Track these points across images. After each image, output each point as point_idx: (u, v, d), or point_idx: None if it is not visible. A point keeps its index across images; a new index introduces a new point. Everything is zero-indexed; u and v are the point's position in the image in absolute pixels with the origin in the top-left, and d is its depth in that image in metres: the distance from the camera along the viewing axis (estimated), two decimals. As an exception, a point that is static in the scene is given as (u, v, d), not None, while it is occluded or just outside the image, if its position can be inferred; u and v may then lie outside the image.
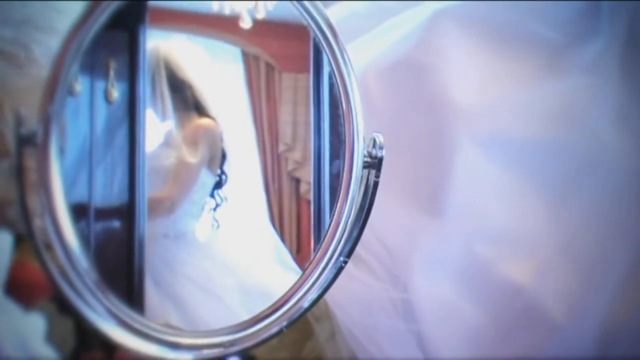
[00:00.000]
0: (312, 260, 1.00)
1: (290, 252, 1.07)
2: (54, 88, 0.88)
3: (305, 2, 0.98)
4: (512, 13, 1.47)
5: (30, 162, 0.90)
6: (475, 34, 1.44)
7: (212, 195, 1.09)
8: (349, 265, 1.23)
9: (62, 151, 0.90)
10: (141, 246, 1.00)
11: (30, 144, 0.88)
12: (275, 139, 1.10)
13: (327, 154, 1.06)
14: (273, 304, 0.99)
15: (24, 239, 1.02)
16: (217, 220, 1.09)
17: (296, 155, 1.10)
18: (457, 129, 1.37)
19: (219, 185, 1.09)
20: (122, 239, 0.99)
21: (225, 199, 1.09)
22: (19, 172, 0.89)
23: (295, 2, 0.99)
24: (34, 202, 0.90)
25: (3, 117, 1.19)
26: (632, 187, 1.31)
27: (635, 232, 1.28)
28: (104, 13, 0.90)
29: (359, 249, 1.24)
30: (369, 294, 1.31)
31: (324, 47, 1.00)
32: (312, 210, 1.06)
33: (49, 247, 0.90)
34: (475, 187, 1.35)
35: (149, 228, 1.01)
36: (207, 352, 0.96)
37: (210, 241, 1.09)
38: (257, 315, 0.98)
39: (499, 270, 1.31)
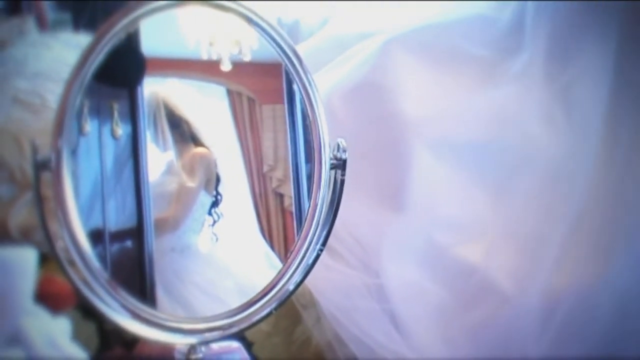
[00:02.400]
0: (293, 249, 1.00)
1: (279, 257, 1.07)
2: (62, 118, 0.89)
3: (279, 40, 0.99)
4: (449, 36, 1.48)
5: (48, 190, 0.90)
6: (420, 57, 1.44)
7: (210, 213, 1.09)
8: (328, 258, 1.26)
9: (74, 175, 0.90)
10: (151, 260, 1.00)
11: (45, 168, 0.88)
12: (260, 161, 1.11)
13: (303, 169, 1.06)
14: (262, 289, 0.99)
15: (49, 258, 0.99)
16: (215, 234, 1.09)
17: (278, 173, 1.10)
18: (410, 137, 1.37)
19: (215, 204, 1.09)
20: (135, 255, 0.99)
21: (222, 215, 1.09)
22: (38, 194, 0.89)
23: (271, 42, 0.99)
24: (55, 226, 0.90)
25: (24, 156, 1.19)
26: (560, 176, 1.31)
27: (565, 214, 1.28)
28: (98, 57, 0.90)
29: (335, 243, 1.28)
30: (346, 281, 1.30)
31: (292, 74, 1.01)
32: (294, 213, 1.06)
33: (72, 263, 0.90)
34: (430, 185, 1.35)
35: (157, 244, 1.01)
36: (208, 335, 0.96)
37: (211, 252, 1.09)
38: (249, 300, 0.98)
39: (455, 253, 1.31)
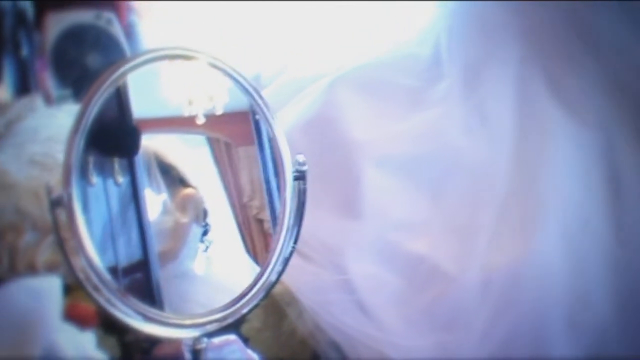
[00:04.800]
0: (272, 247, 1.00)
1: None
2: (69, 167, 0.89)
3: (246, 85, 1.00)
4: (383, 72, 1.49)
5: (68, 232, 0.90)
6: (361, 91, 1.45)
7: (202, 241, 1.09)
8: (303, 262, 1.25)
9: (87, 220, 0.90)
10: (158, 287, 1.00)
11: (59, 205, 0.88)
12: (240, 194, 1.12)
13: (276, 197, 1.06)
14: (250, 283, 0.99)
15: (72, 288, 1.01)
16: (208, 258, 1.10)
17: (256, 202, 1.12)
18: (359, 157, 1.37)
19: (205, 233, 1.09)
20: (144, 284, 1.00)
21: (212, 242, 1.10)
22: (57, 230, 0.89)
23: (242, 90, 1.01)
24: (78, 261, 0.91)
25: (43, 207, 1.15)
26: (482, 175, 1.31)
27: (490, 205, 1.28)
28: (91, 114, 0.91)
29: (307, 249, 1.27)
30: (319, 280, 1.29)
31: (259, 111, 1.01)
32: (270, 217, 1.07)
33: (96, 288, 0.91)
34: (379, 194, 1.35)
35: (162, 273, 1.02)
36: (208, 327, 0.96)
37: (206, 273, 1.10)
38: (240, 294, 0.98)
39: (406, 247, 1.31)
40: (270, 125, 1.01)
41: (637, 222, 1.25)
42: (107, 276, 0.91)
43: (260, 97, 1.01)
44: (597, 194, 1.28)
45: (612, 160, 1.31)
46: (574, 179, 1.29)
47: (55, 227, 0.90)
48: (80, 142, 0.89)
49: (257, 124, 1.06)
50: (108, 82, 0.92)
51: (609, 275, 1.21)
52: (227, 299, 1.00)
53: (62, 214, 0.89)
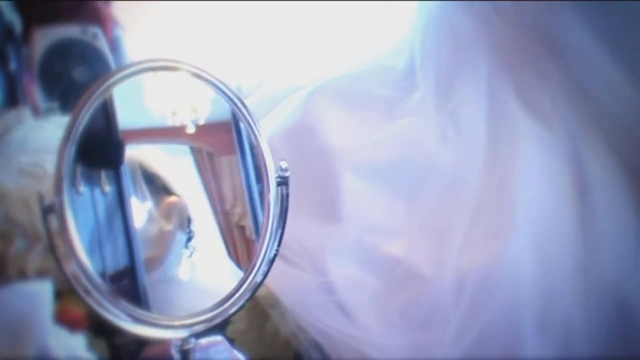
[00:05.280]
0: (256, 250, 1.01)
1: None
2: (60, 175, 0.90)
3: (230, 95, 1.01)
4: (360, 82, 1.51)
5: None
6: (339, 101, 1.46)
7: (186, 247, 1.09)
8: (285, 265, 1.26)
9: (74, 217, 0.90)
10: (145, 293, 1.00)
11: (51, 211, 0.88)
12: (222, 201, 1.11)
13: (258, 204, 1.07)
14: (237, 284, 1.00)
15: (61, 293, 1.02)
16: (193, 263, 1.10)
17: (238, 210, 1.12)
18: (337, 164, 1.38)
19: (189, 239, 1.09)
20: (132, 290, 1.00)
21: (195, 248, 1.09)
22: (49, 235, 0.90)
23: (224, 95, 1.01)
24: (69, 266, 0.91)
25: (33, 215, 1.19)
26: (455, 180, 1.32)
27: (464, 209, 1.29)
28: (80, 127, 0.92)
29: (288, 253, 1.27)
30: (301, 282, 1.30)
31: (239, 114, 1.02)
32: (251, 222, 1.07)
33: (88, 292, 0.91)
34: (357, 199, 1.35)
35: (148, 279, 1.02)
36: (196, 328, 0.96)
37: (191, 278, 1.10)
38: (227, 294, 0.99)
39: (383, 250, 1.31)
40: (254, 132, 1.02)
41: (603, 225, 1.26)
42: (98, 280, 0.91)
43: (244, 105, 1.02)
44: (565, 199, 1.29)
45: (579, 166, 1.32)
46: (543, 184, 1.29)
47: (48, 234, 0.90)
48: (71, 151, 0.90)
49: (239, 133, 1.07)
50: (98, 93, 0.92)
51: (577, 277, 1.22)
52: (211, 303, 1.00)
53: (53, 221, 0.89)
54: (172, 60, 0.99)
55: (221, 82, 1.01)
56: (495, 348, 1.19)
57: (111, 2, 1.95)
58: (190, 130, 1.07)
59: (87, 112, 0.92)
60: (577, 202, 1.28)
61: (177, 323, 0.96)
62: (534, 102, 1.38)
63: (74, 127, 0.91)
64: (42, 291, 0.97)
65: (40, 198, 0.89)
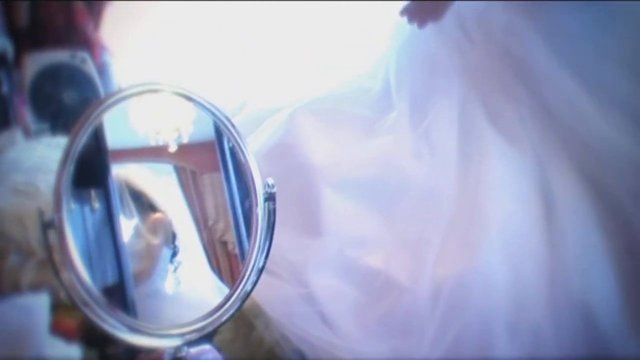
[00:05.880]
0: (246, 261, 1.03)
1: (229, 288, 1.08)
2: (59, 192, 0.93)
3: (220, 116, 1.04)
4: (339, 103, 1.53)
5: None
6: (319, 120, 1.48)
7: (171, 262, 1.10)
8: (269, 278, 1.24)
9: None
10: (134, 305, 1.01)
11: (51, 227, 0.91)
12: (205, 218, 1.13)
13: (241, 219, 1.09)
14: (228, 293, 1.01)
15: (55, 306, 1.03)
16: (177, 278, 1.10)
17: (221, 225, 1.13)
18: (318, 180, 1.40)
19: (174, 254, 1.10)
20: (121, 302, 1.01)
21: (180, 262, 1.11)
22: (48, 249, 0.92)
23: (213, 115, 1.04)
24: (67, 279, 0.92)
25: (26, 231, 1.20)
26: (430, 195, 1.35)
27: (438, 222, 1.31)
28: (77, 152, 0.94)
29: (272, 266, 1.26)
30: (284, 293, 1.31)
31: (227, 134, 1.05)
32: (238, 251, 1.09)
33: (86, 304, 0.93)
34: (337, 214, 1.37)
35: (137, 292, 1.03)
36: (188, 336, 0.99)
37: (176, 291, 1.11)
38: (218, 304, 1.01)
39: (363, 262, 1.33)
40: (242, 151, 1.05)
41: (568, 237, 1.28)
42: (96, 292, 0.93)
43: (233, 125, 1.05)
44: (532, 213, 1.31)
45: (545, 182, 1.34)
46: (512, 199, 1.30)
47: (47, 248, 0.91)
48: (69, 171, 0.93)
49: (222, 152, 1.09)
50: (94, 116, 0.96)
51: (544, 284, 1.24)
52: (196, 316, 1.01)
53: (53, 236, 0.91)
54: (170, 85, 1.03)
55: (211, 104, 1.04)
56: (469, 352, 1.21)
57: (99, 27, 1.98)
58: (173, 149, 1.09)
59: (84, 134, 0.95)
60: (544, 216, 1.31)
61: (172, 332, 0.98)
62: (502, 122, 1.40)
63: (71, 148, 0.94)
64: (39, 303, 0.98)
65: (41, 214, 0.91)
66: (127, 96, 0.99)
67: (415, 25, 1.46)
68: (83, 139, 0.95)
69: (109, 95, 0.99)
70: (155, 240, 1.09)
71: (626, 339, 1.19)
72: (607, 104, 1.35)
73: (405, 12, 1.46)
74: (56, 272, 0.92)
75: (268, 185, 1.06)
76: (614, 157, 1.31)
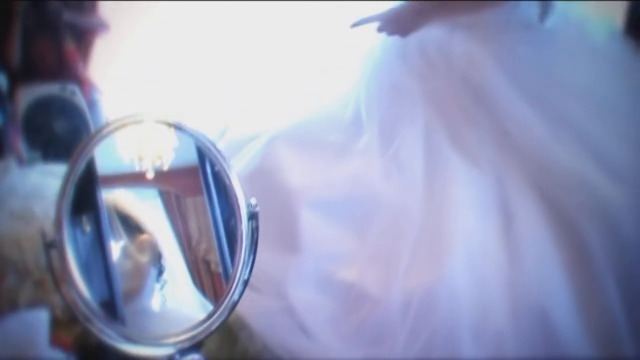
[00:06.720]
0: (233, 273, 1.05)
1: (214, 304, 1.09)
2: (60, 215, 0.95)
3: (206, 142, 1.07)
4: (313, 129, 1.56)
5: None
6: (295, 146, 1.51)
7: (158, 281, 1.12)
8: (252, 293, 1.25)
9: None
10: (124, 321, 1.03)
11: (53, 247, 0.93)
12: (189, 238, 1.14)
13: (224, 239, 1.11)
14: (217, 304, 1.02)
15: (54, 320, 1.05)
16: (164, 295, 1.12)
17: (204, 246, 1.14)
18: (295, 200, 1.42)
19: (160, 273, 1.12)
20: (112, 318, 1.02)
21: (166, 281, 1.12)
22: (51, 268, 0.93)
23: (200, 145, 1.06)
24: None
25: (24, 253, 1.22)
26: (398, 212, 1.38)
27: (407, 238, 1.33)
28: (74, 180, 0.97)
29: (255, 282, 1.27)
30: (266, 306, 1.33)
31: (218, 163, 1.07)
32: (220, 269, 1.10)
33: (87, 318, 0.95)
34: (314, 232, 1.39)
35: (126, 309, 1.04)
36: (181, 345, 1.00)
37: (163, 308, 1.12)
38: (208, 314, 1.02)
39: (338, 276, 1.35)
40: (227, 174, 1.07)
41: (526, 249, 1.31)
42: (96, 307, 0.95)
43: (218, 151, 1.07)
44: (493, 228, 1.34)
45: (504, 199, 1.37)
46: (474, 215, 1.33)
47: (50, 267, 0.93)
48: (70, 195, 0.95)
49: (205, 176, 1.10)
50: (90, 146, 1.00)
51: (505, 293, 1.27)
52: (178, 330, 1.03)
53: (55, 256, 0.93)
54: (150, 115, 1.06)
55: (198, 132, 1.07)
56: (438, 356, 1.23)
57: (88, 61, 2.02)
58: (158, 175, 1.10)
59: (82, 162, 0.99)
60: (504, 230, 1.34)
61: (166, 340, 1.00)
62: (463, 144, 1.44)
63: (70, 176, 0.97)
64: (40, 319, 1.01)
65: (43, 236, 0.93)
66: (116, 128, 1.02)
67: (383, 45, 1.53)
68: (81, 166, 0.98)
69: (102, 127, 1.03)
70: (143, 260, 1.11)
71: (580, 342, 1.23)
72: (559, 127, 1.39)
73: (381, 21, 1.50)
74: (59, 290, 0.94)
75: (251, 205, 1.08)
76: (566, 176, 1.35)
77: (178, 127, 1.05)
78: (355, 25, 1.52)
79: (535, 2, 1.49)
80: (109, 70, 1.97)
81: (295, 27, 1.94)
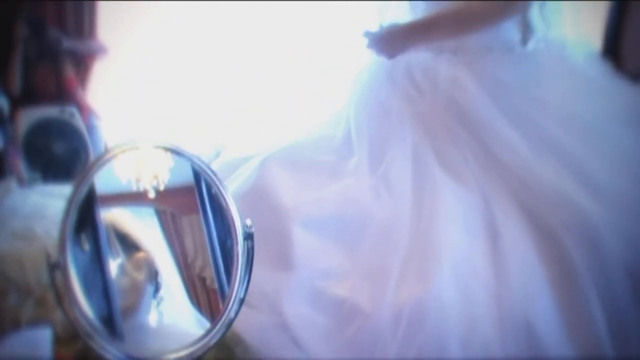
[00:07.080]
0: (229, 292, 1.06)
1: (210, 321, 1.10)
2: (64, 237, 0.96)
3: (202, 165, 1.08)
4: (305, 150, 1.58)
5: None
6: (288, 166, 1.52)
7: (154, 297, 1.13)
8: (247, 309, 1.23)
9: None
10: (122, 338, 1.03)
11: (57, 268, 0.94)
12: (185, 255, 1.15)
13: (220, 256, 1.12)
14: (215, 321, 1.03)
15: (55, 337, 1.05)
16: (160, 311, 1.12)
17: (199, 263, 1.15)
18: (288, 219, 1.43)
19: (157, 290, 1.12)
20: (111, 335, 1.02)
21: (163, 297, 1.13)
22: (55, 288, 0.94)
23: (197, 167, 1.08)
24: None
25: (24, 270, 1.22)
26: (388, 230, 1.39)
27: (396, 253, 1.35)
28: (77, 205, 0.98)
29: (250, 298, 1.23)
30: (261, 322, 1.33)
31: (210, 180, 1.09)
32: (216, 285, 1.11)
33: (89, 336, 0.96)
34: (307, 249, 1.40)
35: (125, 325, 1.05)
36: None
37: (160, 324, 1.12)
38: (206, 330, 1.03)
39: (330, 292, 1.36)
40: (223, 196, 1.08)
41: (511, 264, 1.33)
42: (99, 325, 0.96)
43: (214, 174, 1.09)
44: (479, 243, 1.36)
45: (489, 216, 1.40)
46: (460, 231, 1.35)
47: (54, 286, 0.94)
48: (73, 217, 0.96)
49: (201, 195, 1.11)
50: (90, 173, 1.01)
51: (492, 306, 1.29)
52: (175, 346, 1.03)
53: (59, 276, 0.93)
54: (147, 141, 1.08)
55: (194, 155, 1.09)
56: None
57: (86, 87, 2.05)
58: (154, 194, 1.11)
59: (83, 188, 1.00)
60: (489, 245, 1.36)
61: (167, 357, 1.01)
62: (450, 163, 1.46)
63: (74, 198, 0.99)
64: (43, 337, 1.02)
65: (47, 257, 0.94)
66: (115, 155, 1.05)
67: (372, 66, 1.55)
68: (83, 191, 1.00)
69: (102, 155, 1.05)
70: (140, 277, 1.11)
71: (563, 352, 1.25)
72: (541, 146, 1.43)
73: (370, 38, 1.53)
74: (62, 307, 0.95)
75: (246, 226, 1.09)
76: (549, 194, 1.37)
77: (174, 151, 1.06)
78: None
79: (517, 27, 1.53)
80: (106, 93, 1.99)
81: (287, 49, 2.00)
